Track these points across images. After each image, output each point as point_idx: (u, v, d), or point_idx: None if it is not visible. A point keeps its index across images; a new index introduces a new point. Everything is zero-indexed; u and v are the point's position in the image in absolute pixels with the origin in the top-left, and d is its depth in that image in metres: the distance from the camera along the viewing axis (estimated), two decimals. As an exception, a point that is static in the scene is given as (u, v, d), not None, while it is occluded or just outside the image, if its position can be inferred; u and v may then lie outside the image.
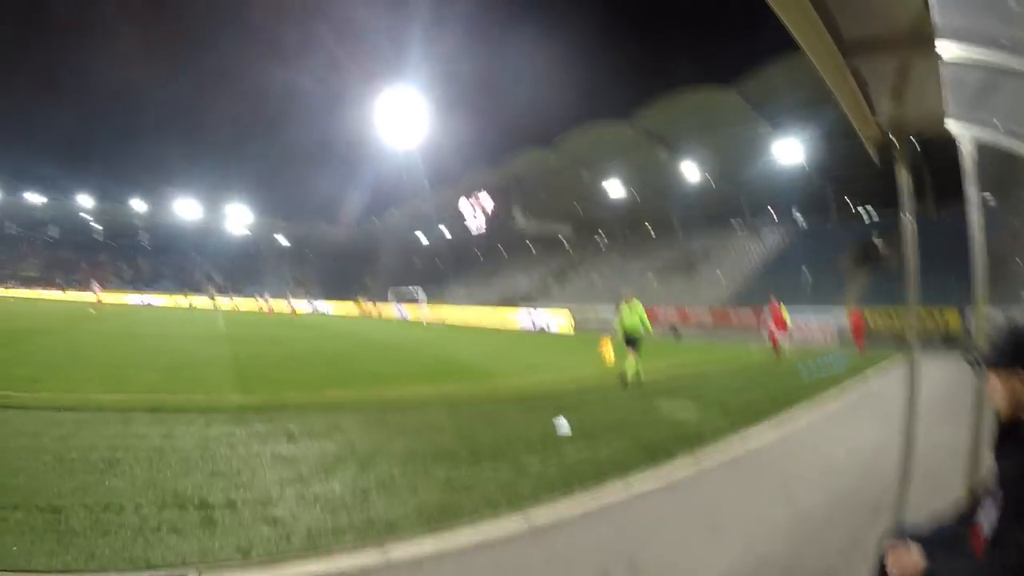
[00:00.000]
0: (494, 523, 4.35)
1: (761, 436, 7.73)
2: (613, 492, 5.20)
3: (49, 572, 3.35)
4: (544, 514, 4.58)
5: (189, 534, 3.92)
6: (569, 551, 3.96)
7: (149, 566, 3.47)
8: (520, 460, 6.04)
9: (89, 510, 4.19)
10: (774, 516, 4.76)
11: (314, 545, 3.85)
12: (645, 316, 12.10)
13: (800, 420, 8.99)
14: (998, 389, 1.98)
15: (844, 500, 5.24)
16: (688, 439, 7.18)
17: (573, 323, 44.10)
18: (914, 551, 2.09)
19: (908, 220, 3.37)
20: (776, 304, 21.17)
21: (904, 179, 3.42)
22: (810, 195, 47.85)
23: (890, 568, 2.09)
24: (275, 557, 3.67)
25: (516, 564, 3.74)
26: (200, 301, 64.11)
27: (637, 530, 4.37)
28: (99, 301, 42.31)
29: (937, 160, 34.32)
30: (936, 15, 2.34)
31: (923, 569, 1.97)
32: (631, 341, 11.83)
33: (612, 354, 12.45)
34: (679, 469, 6.04)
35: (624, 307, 12.20)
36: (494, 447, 6.55)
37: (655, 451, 6.54)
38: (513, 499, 4.84)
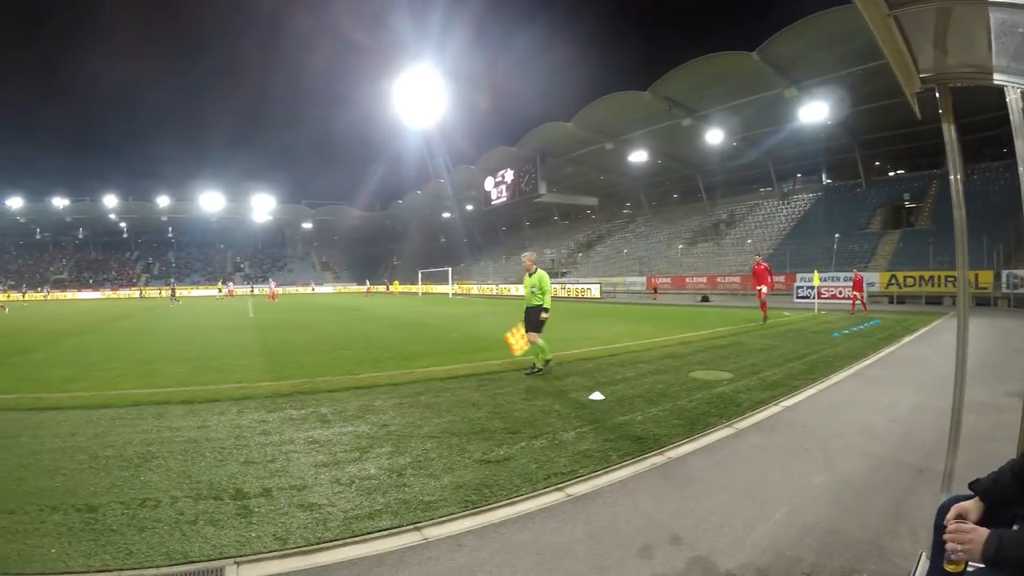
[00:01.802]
0: (533, 499, 4.34)
1: (797, 401, 7.63)
2: (651, 462, 5.15)
3: (88, 572, 3.39)
4: (583, 488, 4.55)
5: (226, 525, 3.95)
6: (610, 525, 3.91)
7: (187, 560, 3.50)
8: (556, 433, 6.02)
9: (125, 507, 4.25)
10: (814, 482, 4.68)
11: (351, 530, 3.85)
12: (546, 287, 9.85)
13: (836, 383, 8.85)
14: None
15: (884, 464, 5.12)
16: (725, 407, 7.11)
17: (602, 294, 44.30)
18: (972, 521, 2.01)
19: (955, 177, 3.22)
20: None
21: (950, 135, 3.26)
22: (838, 157, 47.14)
23: (950, 543, 1.99)
24: (312, 544, 3.68)
25: (557, 540, 3.69)
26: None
27: (677, 501, 4.31)
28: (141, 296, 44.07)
29: (964, 119, 34.19)
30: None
31: (985, 538, 1.87)
32: (526, 319, 10.00)
33: (521, 341, 9.99)
34: (716, 436, 5.98)
35: (526, 278, 10.21)
36: (529, 421, 6.54)
37: (692, 420, 6.48)
38: (550, 473, 4.82)
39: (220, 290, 55.59)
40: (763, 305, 19.05)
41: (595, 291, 45.64)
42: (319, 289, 78.18)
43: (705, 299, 34.95)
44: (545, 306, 9.64)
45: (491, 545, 3.63)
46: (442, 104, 70.04)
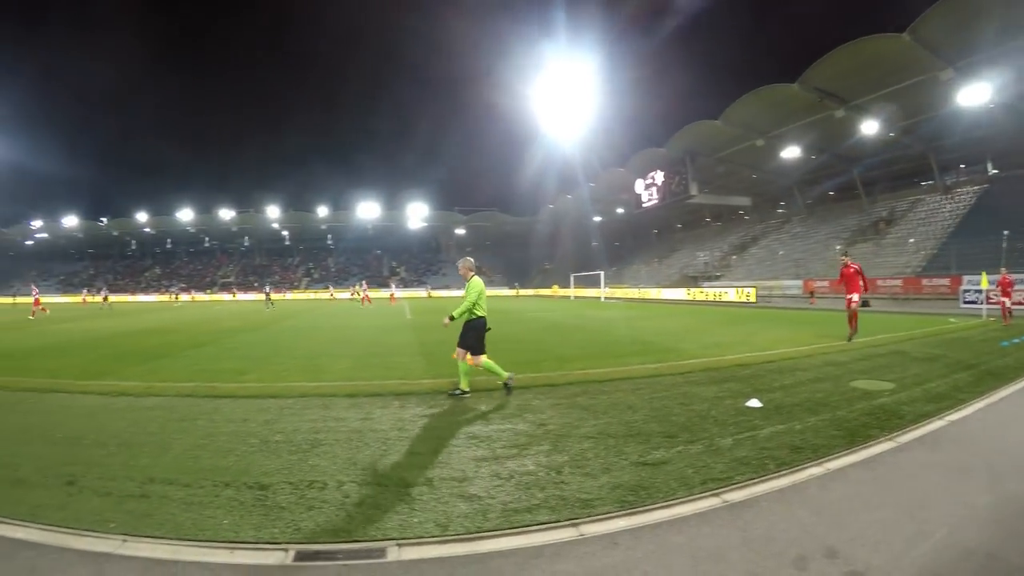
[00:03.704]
0: (689, 503, 4.28)
1: (964, 415, 6.98)
2: (808, 472, 4.93)
3: (257, 543, 3.71)
4: (739, 495, 4.43)
5: (389, 509, 4.19)
6: (765, 533, 3.78)
7: (352, 538, 3.75)
8: (712, 439, 5.87)
9: (294, 487, 4.64)
10: (979, 503, 4.27)
11: (509, 522, 3.96)
12: (471, 297, 8.50)
13: (1006, 397, 8.03)
14: None
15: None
16: (887, 419, 6.64)
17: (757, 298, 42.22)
18: None
19: None
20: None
21: None
22: (1005, 144, 41.92)
23: None
24: (472, 533, 3.82)
25: (712, 544, 3.63)
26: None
27: (834, 513, 4.12)
28: (270, 299, 46.88)
29: None
30: None
31: None
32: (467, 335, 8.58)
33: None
34: (877, 449, 5.59)
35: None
36: (686, 426, 6.42)
37: (852, 431, 6.10)
38: (707, 479, 4.72)
39: (356, 294, 58.34)
40: (852, 318, 14.93)
41: (732, 295, 44.06)
42: (461, 292, 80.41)
43: (865, 304, 32.54)
44: (454, 314, 8.49)
45: (646, 545, 3.63)
46: (590, 107, 70.10)
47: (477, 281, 8.59)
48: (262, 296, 52.77)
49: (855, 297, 14.88)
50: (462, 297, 8.65)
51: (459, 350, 8.40)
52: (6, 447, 5.98)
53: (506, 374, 8.52)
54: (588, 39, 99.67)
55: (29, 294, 37.67)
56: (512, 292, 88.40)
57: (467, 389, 8.43)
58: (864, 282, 15.10)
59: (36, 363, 12.51)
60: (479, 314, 8.43)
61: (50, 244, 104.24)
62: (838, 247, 44.91)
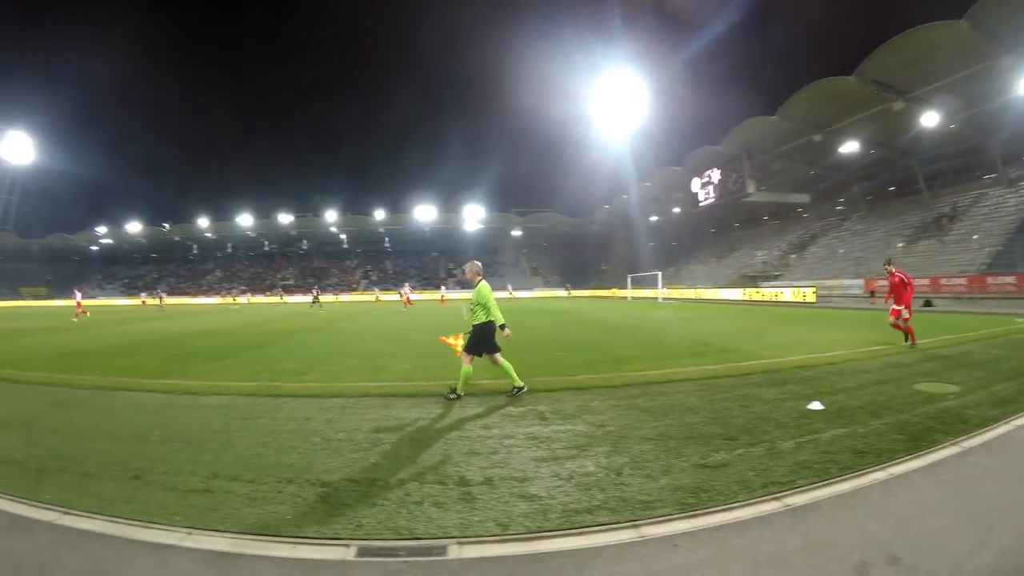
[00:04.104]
0: (750, 506, 4.23)
1: None
2: (871, 477, 4.80)
3: (320, 538, 3.79)
4: (801, 499, 4.36)
5: (450, 508, 4.24)
6: (826, 538, 3.72)
7: (413, 535, 3.80)
8: (774, 442, 5.76)
9: (356, 484, 4.74)
10: None
11: (570, 522, 3.97)
12: (485, 301, 8.42)
13: None
14: None
15: None
16: (952, 423, 6.39)
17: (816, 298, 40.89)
18: None
19: None
20: None
21: None
22: None
23: None
24: (532, 532, 3.84)
25: (773, 549, 3.59)
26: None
27: (896, 519, 4.01)
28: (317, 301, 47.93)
29: None
30: None
31: None
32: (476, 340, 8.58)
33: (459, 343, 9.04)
34: (941, 455, 5.39)
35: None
36: (747, 428, 6.32)
37: (916, 436, 5.89)
38: (768, 482, 4.65)
39: (403, 296, 58.95)
40: (908, 328, 13.46)
41: (787, 295, 42.79)
42: (517, 293, 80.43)
43: (928, 304, 31.29)
44: (496, 322, 8.34)
45: (707, 548, 3.62)
46: (644, 105, 69.55)
47: (485, 285, 8.50)
48: (309, 298, 54.08)
49: (904, 312, 13.52)
50: (470, 301, 8.67)
51: (465, 355, 8.39)
52: (74, 442, 6.24)
53: (462, 386, 8.28)
54: (641, 37, 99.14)
55: (83, 297, 39.00)
56: (564, 293, 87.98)
57: (462, 392, 8.31)
58: (910, 291, 13.79)
59: (102, 362, 12.99)
60: (489, 317, 8.33)
61: (114, 249, 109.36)
62: (899, 244, 43.77)
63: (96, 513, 4.25)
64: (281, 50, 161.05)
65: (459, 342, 8.79)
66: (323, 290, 74.59)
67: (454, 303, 53.89)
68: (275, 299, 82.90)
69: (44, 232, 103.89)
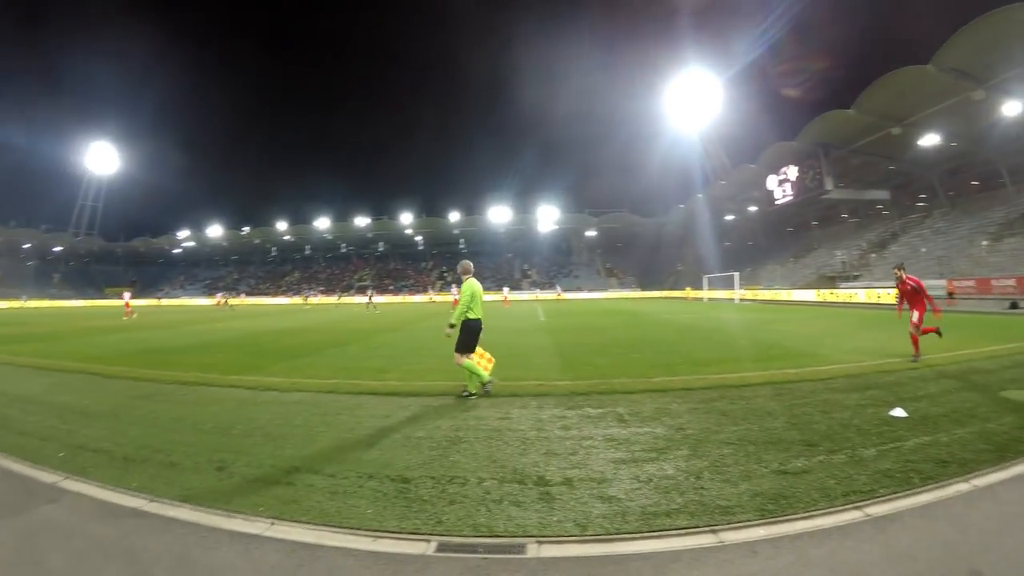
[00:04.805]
0: (830, 515, 4.16)
1: None
2: (953, 488, 4.61)
3: (400, 532, 3.90)
4: (882, 509, 4.24)
5: (528, 507, 4.28)
6: (907, 550, 3.62)
7: (492, 533, 3.86)
8: (855, 449, 5.60)
9: (436, 481, 4.84)
10: None
11: (648, 525, 3.97)
12: (464, 300, 8.77)
13: None
14: None
15: None
16: None
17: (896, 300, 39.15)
18: None
19: None
20: None
21: None
22: None
23: None
24: (611, 534, 3.85)
25: (853, 559, 3.53)
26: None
27: (980, 532, 3.87)
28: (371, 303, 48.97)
29: None
30: None
31: None
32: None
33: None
34: None
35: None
36: (827, 434, 6.15)
37: (1002, 446, 5.60)
38: (849, 491, 4.54)
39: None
40: (914, 338, 11.80)
41: (861, 296, 41.32)
42: (590, 295, 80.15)
43: (1014, 306, 29.58)
44: (455, 319, 8.62)
45: (786, 556, 3.60)
46: (717, 102, 68.39)
47: (468, 284, 8.81)
48: (365, 299, 55.67)
49: (914, 317, 11.83)
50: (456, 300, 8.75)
51: (457, 354, 8.66)
52: (160, 434, 6.56)
53: (487, 377, 8.61)
54: (714, 33, 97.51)
55: (177, 296, 40.98)
56: (633, 294, 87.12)
57: (474, 391, 8.61)
58: (926, 298, 12.01)
59: (186, 359, 13.59)
60: (472, 317, 8.63)
61: (196, 251, 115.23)
62: (984, 243, 41.78)
63: (181, 501, 4.48)
64: (361, 57, 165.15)
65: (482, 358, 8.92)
66: (399, 291, 75.88)
67: (527, 303, 54.01)
68: (299, 300, 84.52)
69: (129, 236, 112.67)
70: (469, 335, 8.63)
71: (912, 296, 12.23)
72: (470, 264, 9.28)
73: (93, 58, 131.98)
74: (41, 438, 6.46)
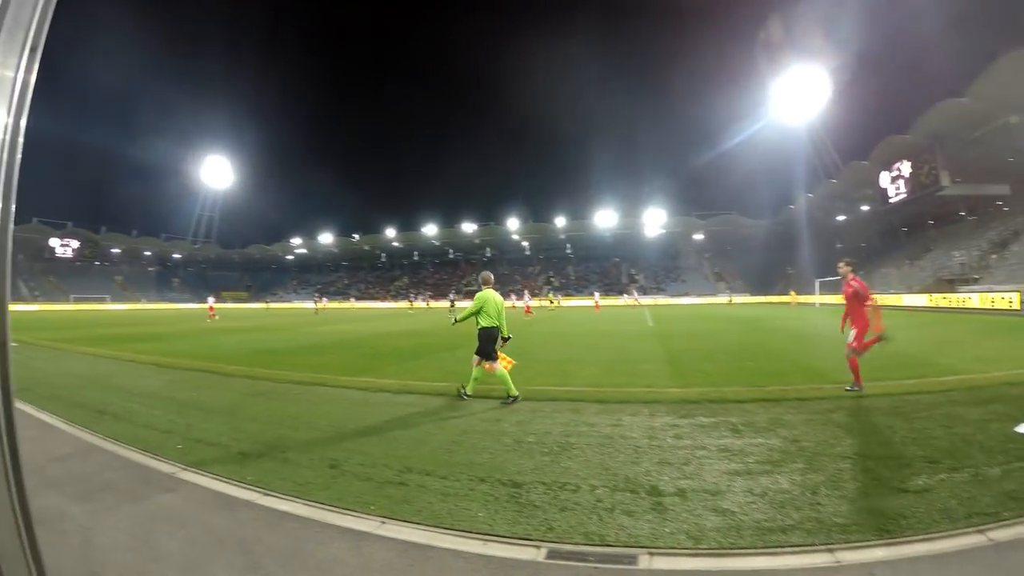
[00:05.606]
0: (951, 538, 3.92)
1: None
2: None
3: (511, 537, 3.92)
4: (1006, 534, 3.94)
5: (641, 517, 4.23)
6: None
7: (604, 542, 3.83)
8: (978, 467, 5.23)
9: (547, 487, 4.86)
10: None
11: (762, 540, 3.86)
12: (470, 307, 9.42)
13: None
14: None
15: None
16: None
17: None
18: None
19: None
20: None
21: None
22: None
23: None
24: (724, 549, 3.75)
25: None
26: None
27: None
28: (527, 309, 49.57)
29: None
30: None
31: None
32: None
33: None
34: None
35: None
36: (949, 451, 5.78)
37: None
38: (972, 512, 4.25)
39: (552, 300, 59.06)
40: (852, 362, 9.43)
41: (975, 300, 38.42)
42: (683, 300, 78.59)
43: None
44: (457, 318, 9.79)
45: None
46: (824, 98, 65.74)
47: (481, 294, 9.36)
48: (447, 303, 57.09)
49: (849, 337, 9.53)
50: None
51: (475, 357, 9.13)
52: (275, 430, 6.90)
53: (515, 391, 8.79)
54: (819, 28, 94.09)
55: (270, 301, 43.16)
56: (724, 300, 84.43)
57: (471, 393, 9.08)
58: (872, 308, 9.62)
59: (296, 359, 14.23)
60: (485, 324, 9.13)
61: (308, 258, 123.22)
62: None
63: (294, 496, 4.67)
64: (473, 83, 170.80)
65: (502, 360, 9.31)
66: (507, 295, 76.46)
67: (634, 307, 53.46)
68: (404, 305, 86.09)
69: (243, 244, 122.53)
70: (485, 341, 9.07)
71: (852, 304, 9.74)
72: (490, 276, 9.94)
73: (230, 84, 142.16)
74: (161, 431, 6.91)
